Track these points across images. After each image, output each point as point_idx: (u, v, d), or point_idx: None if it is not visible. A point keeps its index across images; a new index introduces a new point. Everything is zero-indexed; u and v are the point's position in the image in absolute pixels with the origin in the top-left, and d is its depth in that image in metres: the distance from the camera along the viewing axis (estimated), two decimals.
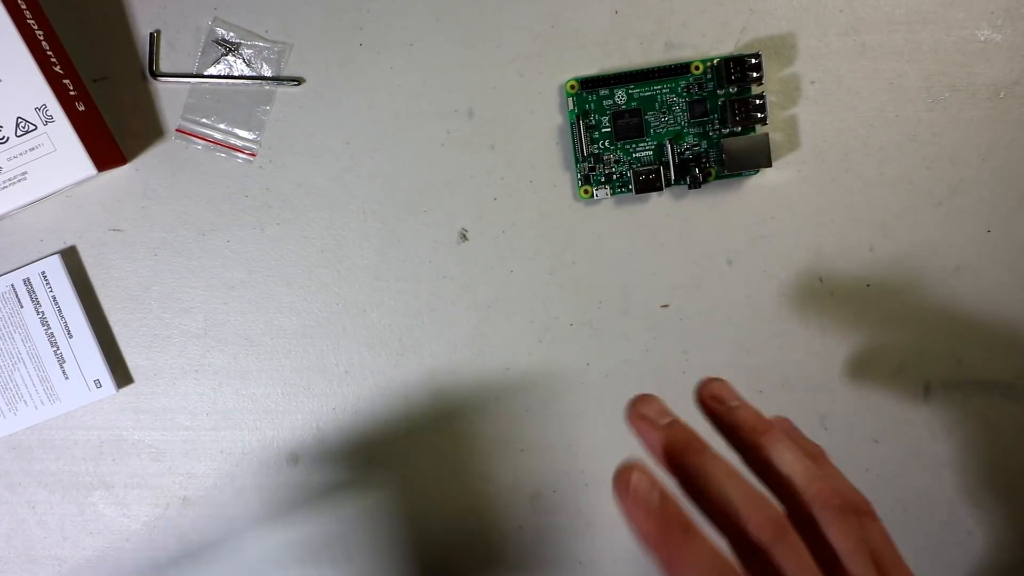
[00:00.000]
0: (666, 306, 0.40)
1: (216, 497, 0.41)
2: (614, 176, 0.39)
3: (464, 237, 0.40)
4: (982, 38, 0.38)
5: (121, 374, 0.41)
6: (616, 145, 0.39)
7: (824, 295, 0.40)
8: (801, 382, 0.40)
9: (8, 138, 0.36)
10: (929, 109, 0.39)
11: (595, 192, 0.39)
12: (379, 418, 0.41)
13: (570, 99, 0.38)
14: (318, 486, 0.41)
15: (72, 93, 0.37)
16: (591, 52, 0.39)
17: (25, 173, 0.36)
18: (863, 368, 0.40)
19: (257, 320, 0.40)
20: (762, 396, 0.40)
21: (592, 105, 0.38)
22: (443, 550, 0.41)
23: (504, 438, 0.41)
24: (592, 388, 0.40)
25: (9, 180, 0.36)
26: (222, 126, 0.39)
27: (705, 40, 0.38)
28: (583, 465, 0.41)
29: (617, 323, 0.40)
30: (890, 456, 0.40)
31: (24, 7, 0.36)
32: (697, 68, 0.38)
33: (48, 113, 0.36)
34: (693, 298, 0.40)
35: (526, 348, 0.40)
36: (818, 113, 0.39)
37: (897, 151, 0.39)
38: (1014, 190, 0.39)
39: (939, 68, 0.38)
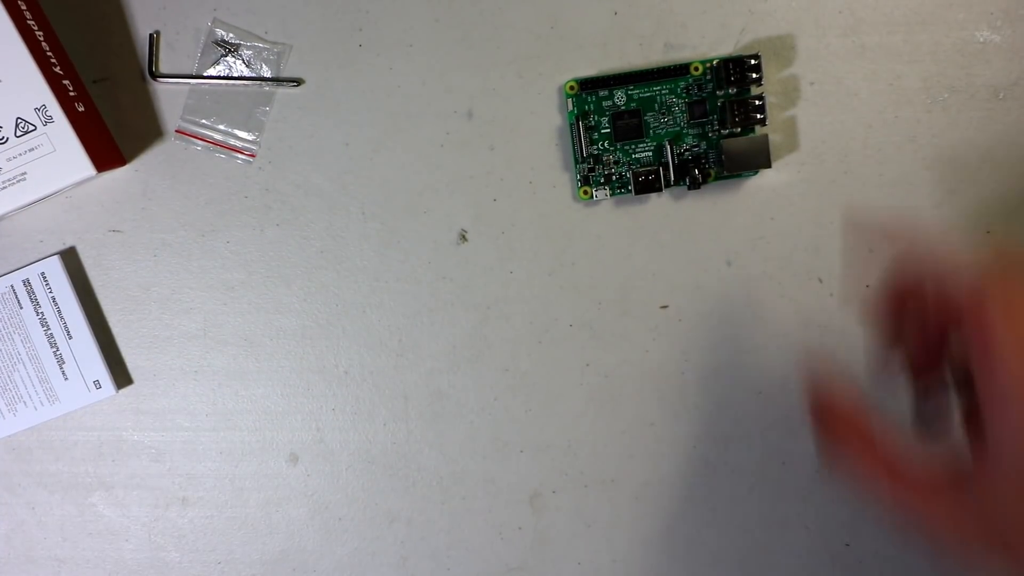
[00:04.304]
0: (666, 307, 0.40)
1: (216, 498, 0.41)
2: (613, 177, 0.39)
3: (464, 238, 0.40)
4: (981, 39, 0.38)
5: (121, 375, 0.41)
6: (615, 146, 0.39)
7: (824, 295, 0.40)
8: (801, 382, 0.40)
9: (7, 138, 0.36)
10: (928, 110, 0.39)
11: (594, 193, 0.39)
12: (379, 418, 0.41)
13: (569, 100, 0.38)
14: (317, 487, 0.41)
15: (72, 94, 0.37)
16: (590, 53, 0.39)
17: (24, 174, 0.36)
18: (863, 368, 0.40)
19: (257, 321, 0.40)
20: (762, 396, 0.40)
21: (592, 106, 0.38)
22: (443, 551, 0.41)
23: (504, 438, 0.41)
24: (592, 388, 0.40)
25: (8, 181, 0.36)
26: (222, 127, 0.39)
27: (704, 41, 0.38)
28: (583, 465, 0.41)
29: (617, 324, 0.40)
30: None
31: (24, 7, 0.36)
32: (696, 69, 0.38)
33: (48, 114, 0.36)
34: (693, 299, 0.40)
35: (526, 348, 0.40)
36: (817, 114, 0.39)
37: (896, 152, 0.39)
38: (1014, 190, 0.39)
39: (938, 69, 0.38)
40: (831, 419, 0.31)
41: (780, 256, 0.39)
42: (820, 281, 0.40)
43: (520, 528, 0.41)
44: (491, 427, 0.41)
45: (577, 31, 0.39)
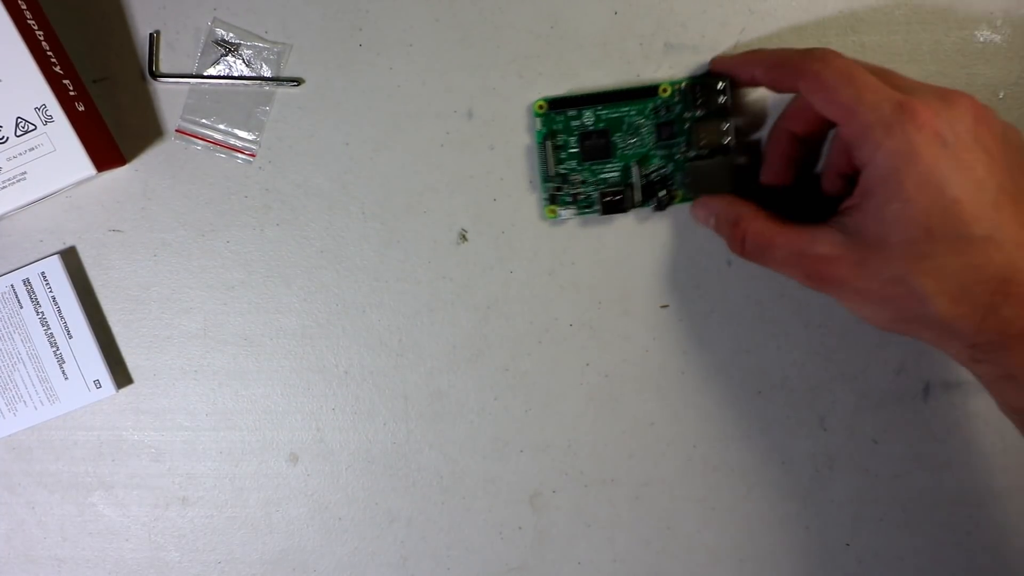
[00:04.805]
0: (666, 306, 0.40)
1: (216, 497, 0.41)
2: (580, 197, 0.39)
3: (464, 238, 0.40)
4: (981, 39, 0.38)
5: (121, 374, 0.41)
6: (583, 166, 0.39)
7: (824, 295, 0.40)
8: (801, 382, 0.40)
9: (8, 138, 0.36)
10: None
11: (560, 212, 0.39)
12: (379, 418, 0.41)
13: (538, 119, 0.38)
14: (317, 486, 0.41)
15: (72, 93, 0.37)
16: (590, 53, 0.39)
17: (24, 173, 0.36)
18: (863, 368, 0.40)
19: (256, 321, 0.41)
20: (761, 396, 0.40)
21: (560, 125, 0.38)
22: (443, 551, 0.41)
23: (504, 438, 0.41)
24: (592, 388, 0.40)
25: (8, 180, 0.36)
26: (222, 127, 0.39)
27: (705, 41, 0.38)
28: (583, 465, 0.41)
29: (617, 323, 0.40)
30: (890, 456, 0.40)
31: (24, 7, 0.36)
32: (665, 91, 0.38)
33: (48, 113, 0.36)
34: (693, 298, 0.40)
35: (526, 348, 0.40)
36: None
37: None
38: None
39: (938, 69, 0.38)
40: (738, 219, 0.35)
41: None
42: None
43: (520, 528, 0.41)
44: (491, 427, 0.41)
45: (577, 31, 0.39)
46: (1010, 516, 0.40)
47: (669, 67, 0.39)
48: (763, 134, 0.39)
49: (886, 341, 0.40)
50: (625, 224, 0.40)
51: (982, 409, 0.40)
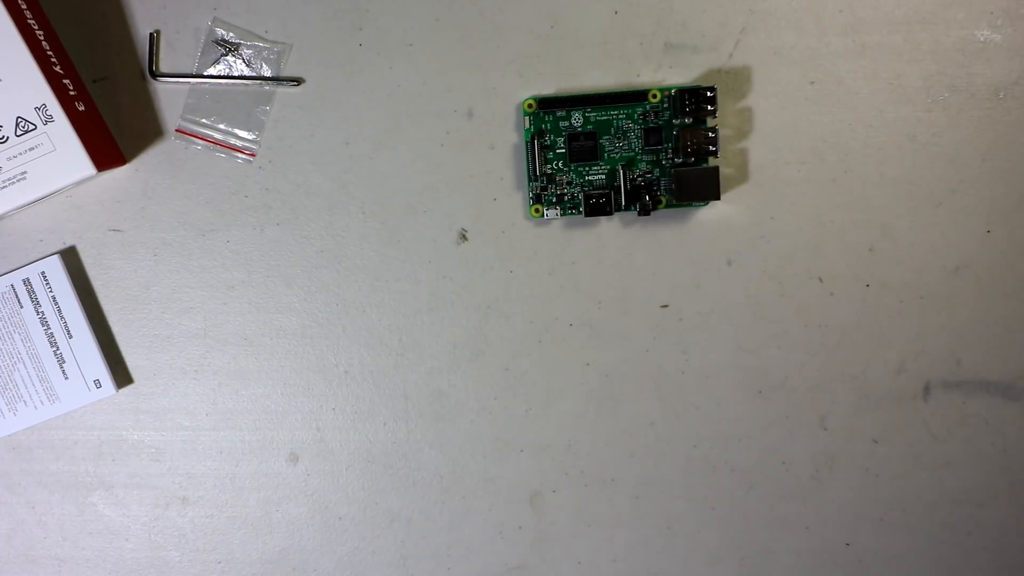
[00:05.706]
0: (666, 306, 0.40)
1: (216, 497, 0.41)
2: (565, 197, 0.39)
3: (464, 237, 0.40)
4: (981, 38, 0.38)
5: (121, 374, 0.41)
6: (570, 167, 0.39)
7: (824, 295, 0.40)
8: (801, 382, 0.40)
9: (8, 138, 0.36)
10: (928, 110, 0.39)
11: (546, 212, 0.39)
12: (379, 418, 0.41)
13: (527, 118, 0.38)
14: (317, 486, 0.41)
15: (72, 93, 0.37)
16: (591, 52, 0.39)
17: (25, 173, 0.36)
18: (863, 368, 0.40)
19: (257, 320, 0.41)
20: (762, 396, 0.40)
21: (548, 125, 0.38)
22: (443, 550, 0.41)
23: (504, 438, 0.41)
24: (592, 388, 0.40)
25: (9, 180, 0.36)
26: (222, 126, 0.39)
27: (705, 40, 0.38)
28: (583, 465, 0.41)
29: (617, 323, 0.40)
30: (890, 456, 0.40)
31: (24, 7, 0.37)
32: (655, 96, 0.38)
33: (48, 113, 0.36)
34: (693, 298, 0.40)
35: (526, 348, 0.40)
36: (817, 113, 0.39)
37: (897, 151, 0.39)
38: (1014, 190, 0.39)
39: (938, 68, 0.38)
40: None
41: (780, 256, 0.39)
42: (820, 281, 0.40)
43: (520, 527, 0.41)
44: (491, 426, 0.41)
45: (577, 31, 0.39)
46: (1010, 516, 0.40)
47: (669, 66, 0.39)
48: (750, 143, 0.39)
49: (886, 341, 0.40)
50: (625, 224, 0.40)
51: (982, 409, 0.40)
